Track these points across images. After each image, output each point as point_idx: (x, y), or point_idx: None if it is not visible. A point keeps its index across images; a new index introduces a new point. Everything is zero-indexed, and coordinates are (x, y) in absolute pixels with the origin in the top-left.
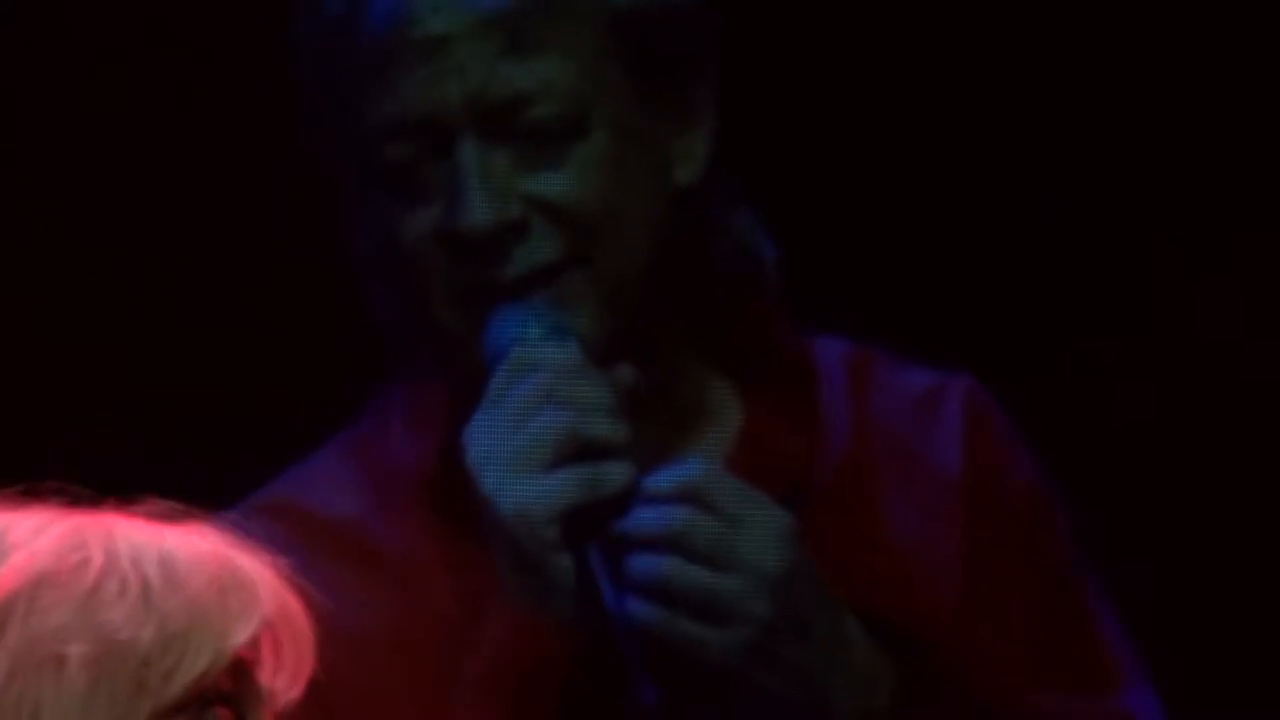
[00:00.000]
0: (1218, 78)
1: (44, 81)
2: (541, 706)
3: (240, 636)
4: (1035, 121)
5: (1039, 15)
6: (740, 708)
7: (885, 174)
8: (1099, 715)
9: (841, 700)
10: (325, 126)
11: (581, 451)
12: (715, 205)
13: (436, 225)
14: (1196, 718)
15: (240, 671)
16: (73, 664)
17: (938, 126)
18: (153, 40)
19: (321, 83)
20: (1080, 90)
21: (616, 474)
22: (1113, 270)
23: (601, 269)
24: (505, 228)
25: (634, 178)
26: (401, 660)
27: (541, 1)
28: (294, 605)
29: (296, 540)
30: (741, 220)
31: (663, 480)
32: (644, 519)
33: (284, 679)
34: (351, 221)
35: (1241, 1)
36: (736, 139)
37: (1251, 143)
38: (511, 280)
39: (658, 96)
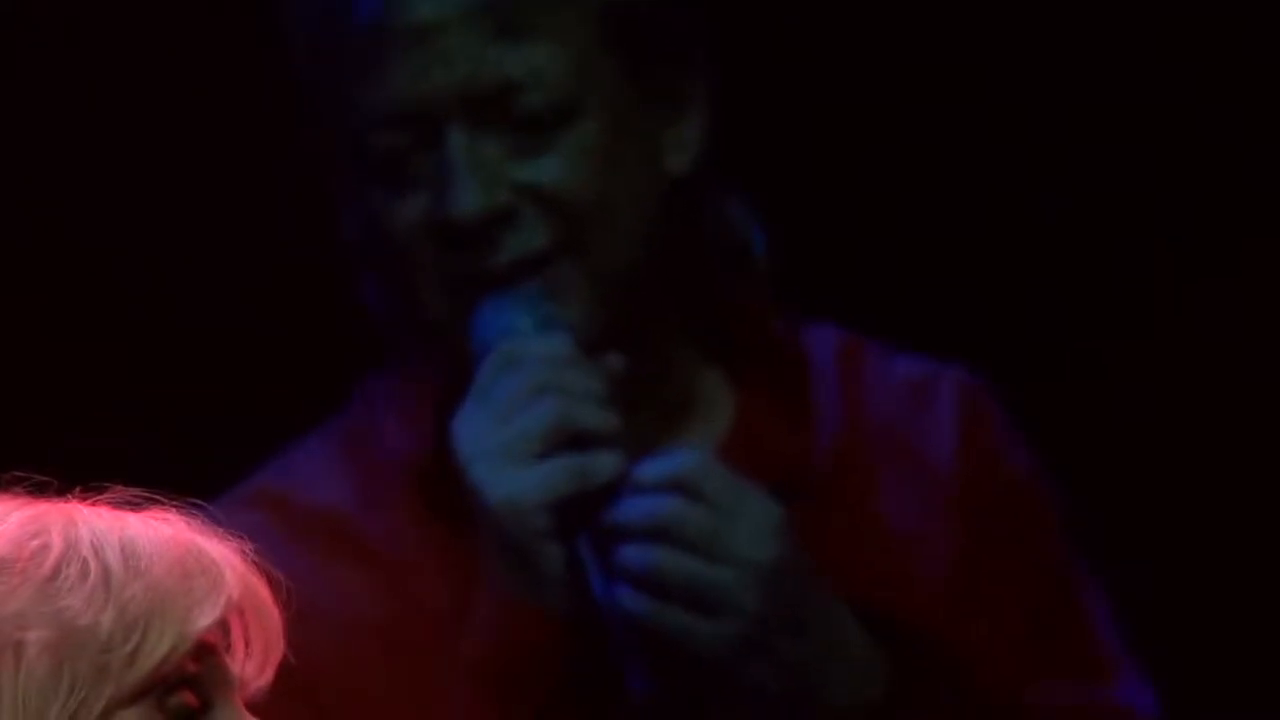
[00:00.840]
0: (1216, 78)
1: (40, 78)
2: (530, 695)
3: (204, 621)
4: (1036, 120)
5: (1040, 12)
6: (731, 699)
7: (886, 169)
8: (1093, 707)
9: (835, 692)
10: (317, 115)
11: (571, 441)
12: (707, 195)
13: (426, 214)
14: (1196, 716)
15: (206, 656)
16: (31, 650)
17: (939, 123)
18: (147, 35)
19: (313, 71)
20: (1081, 90)
21: (606, 464)
22: (1112, 269)
23: (592, 258)
24: (495, 216)
25: (625, 166)
26: (389, 650)
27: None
28: (262, 590)
29: (283, 530)
30: (733, 211)
31: (653, 470)
32: (634, 509)
33: (253, 664)
34: (343, 210)
35: (1239, 2)
36: (731, 129)
37: (1250, 143)
38: (501, 269)
39: (649, 85)
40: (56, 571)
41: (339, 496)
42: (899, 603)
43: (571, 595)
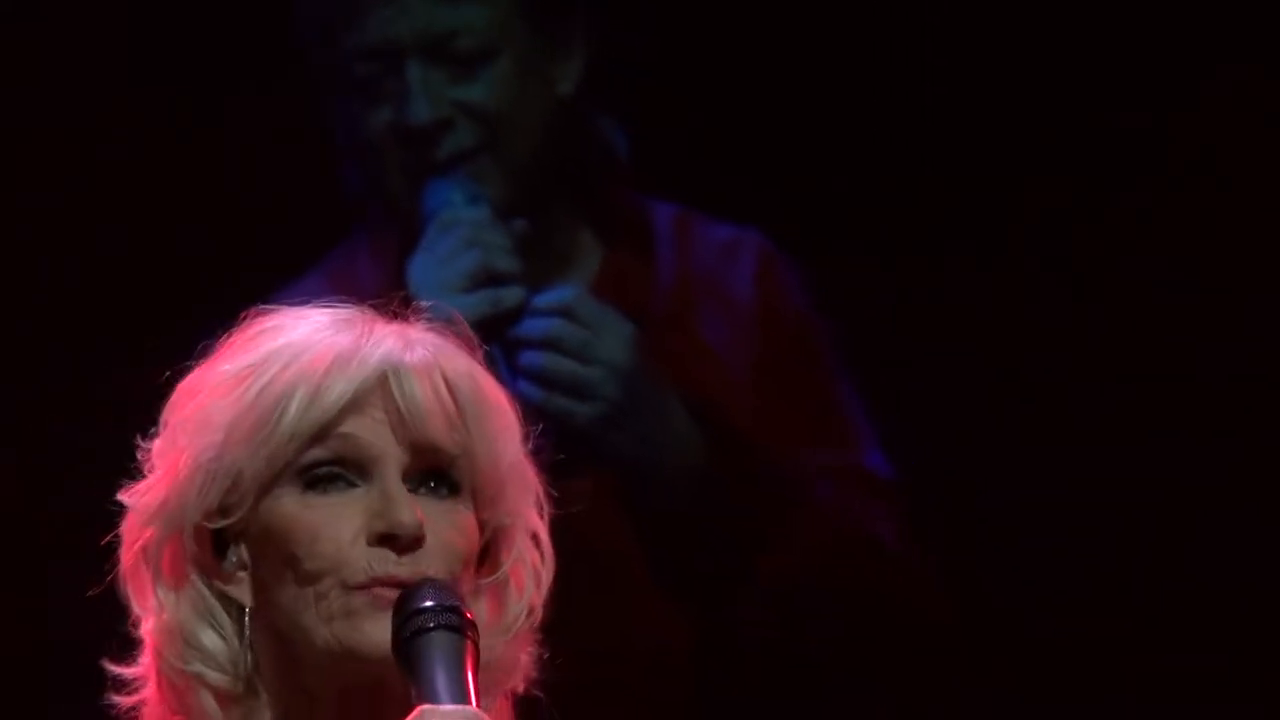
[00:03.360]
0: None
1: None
2: None
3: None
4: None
5: None
6: (601, 461)
7: (716, 98)
8: (848, 467)
9: (670, 456)
10: (317, 53)
11: (489, 280)
12: (585, 110)
13: (391, 121)
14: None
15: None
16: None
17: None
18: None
19: (310, 20)
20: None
21: (513, 295)
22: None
23: (504, 154)
24: (438, 123)
25: (528, 90)
26: None
27: None
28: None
29: None
30: (603, 121)
31: (545, 300)
32: (531, 327)
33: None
34: (331, 119)
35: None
36: (603, 64)
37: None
38: (442, 160)
39: (545, 33)
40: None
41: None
42: (714, 396)
43: None
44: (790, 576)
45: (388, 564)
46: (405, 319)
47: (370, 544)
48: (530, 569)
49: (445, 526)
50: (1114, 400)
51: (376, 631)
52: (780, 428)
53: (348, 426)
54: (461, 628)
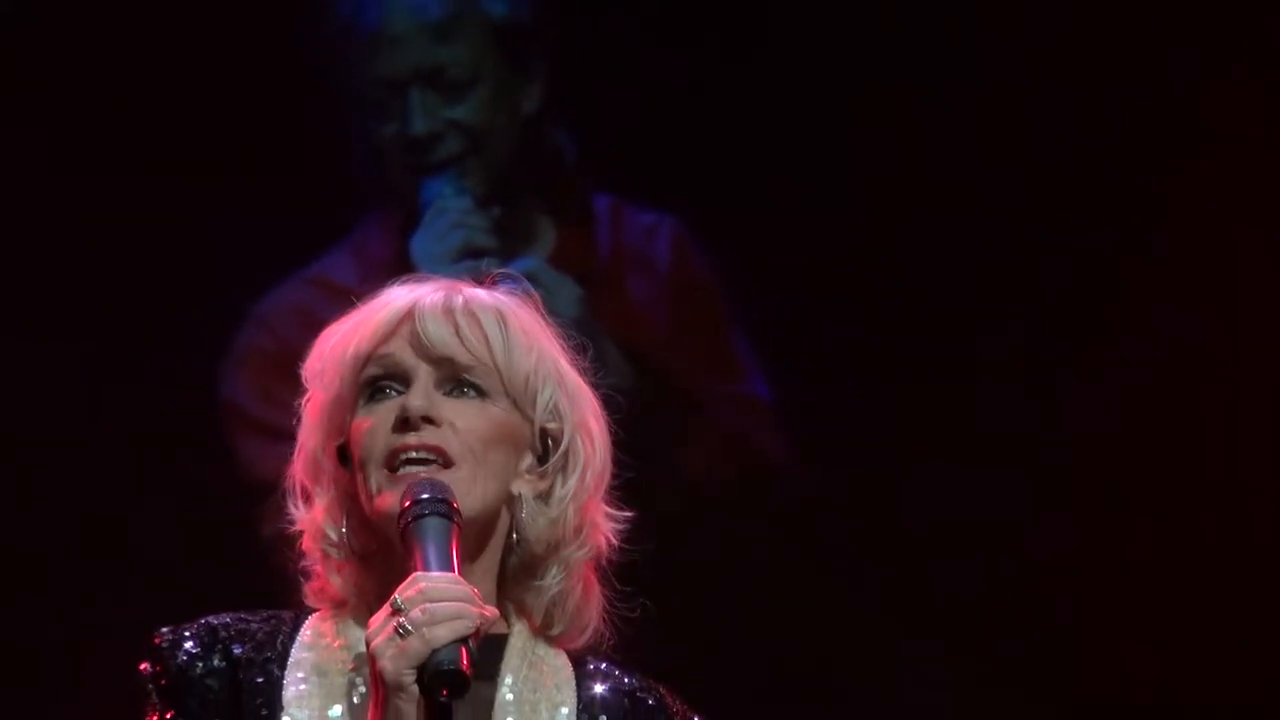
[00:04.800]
0: None
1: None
2: None
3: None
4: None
5: None
6: None
7: (654, 111)
8: (738, 393)
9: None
10: (340, 81)
11: (471, 253)
12: (545, 125)
13: (396, 133)
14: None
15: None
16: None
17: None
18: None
19: (335, 54)
20: None
21: (489, 265)
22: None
23: (483, 158)
24: (432, 135)
25: (501, 110)
26: None
27: (455, 18)
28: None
29: (323, 297)
30: (557, 132)
31: (514, 268)
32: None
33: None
34: (351, 131)
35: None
36: (560, 89)
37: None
38: (435, 163)
39: (513, 67)
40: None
41: (345, 275)
42: (640, 340)
43: None
44: (696, 461)
45: (402, 438)
46: (482, 282)
47: (393, 430)
48: (581, 457)
49: (469, 415)
50: (937, 340)
51: (397, 500)
52: (689, 363)
53: (388, 348)
54: (449, 514)
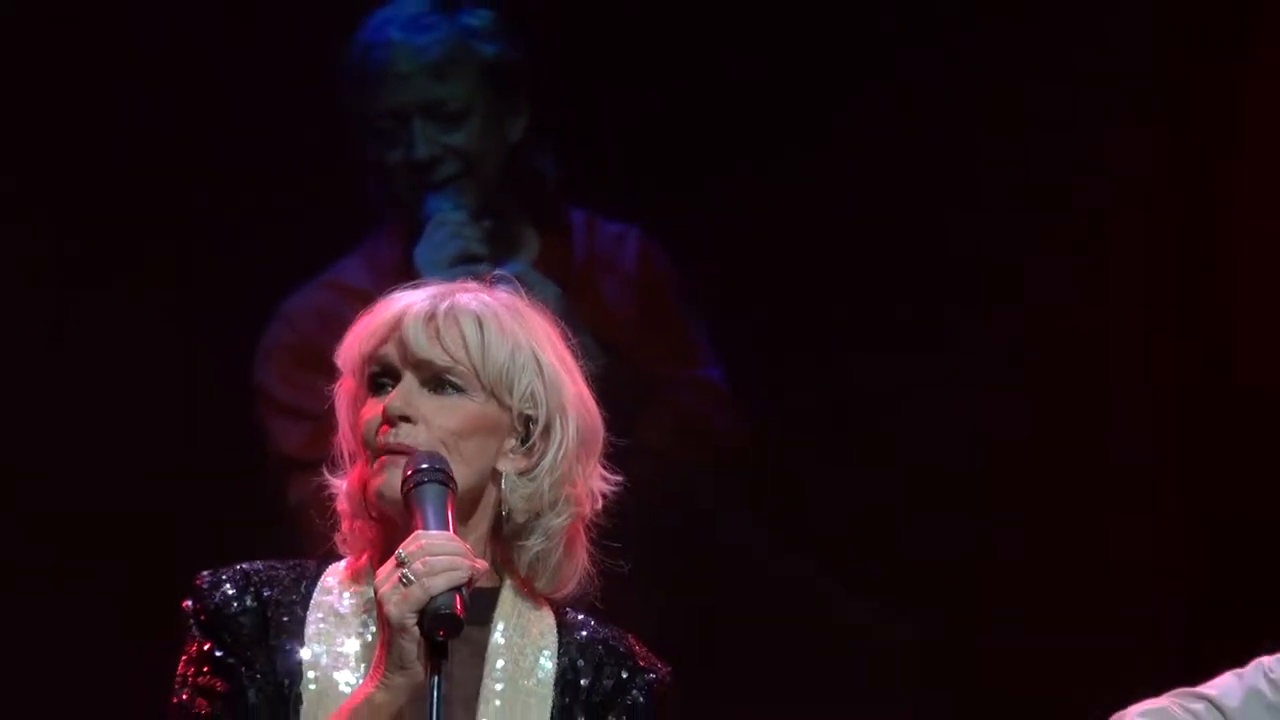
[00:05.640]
0: None
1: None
2: None
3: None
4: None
5: None
6: None
7: (622, 137)
8: (695, 376)
9: None
10: (353, 112)
11: (466, 259)
12: (528, 150)
13: (402, 157)
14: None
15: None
16: None
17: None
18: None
19: (349, 91)
20: None
21: (482, 270)
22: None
23: (476, 179)
24: (433, 159)
25: (491, 137)
26: None
27: (451, 59)
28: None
29: (339, 298)
30: (542, 156)
31: (503, 272)
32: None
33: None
34: (362, 154)
35: None
36: (540, 120)
37: None
38: (436, 182)
39: (502, 101)
40: None
41: (366, 279)
42: (611, 334)
43: None
44: (657, 440)
45: (385, 437)
46: (481, 281)
47: (380, 424)
48: (558, 437)
49: (441, 413)
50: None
51: (388, 481)
52: (653, 353)
53: (383, 350)
54: (445, 481)
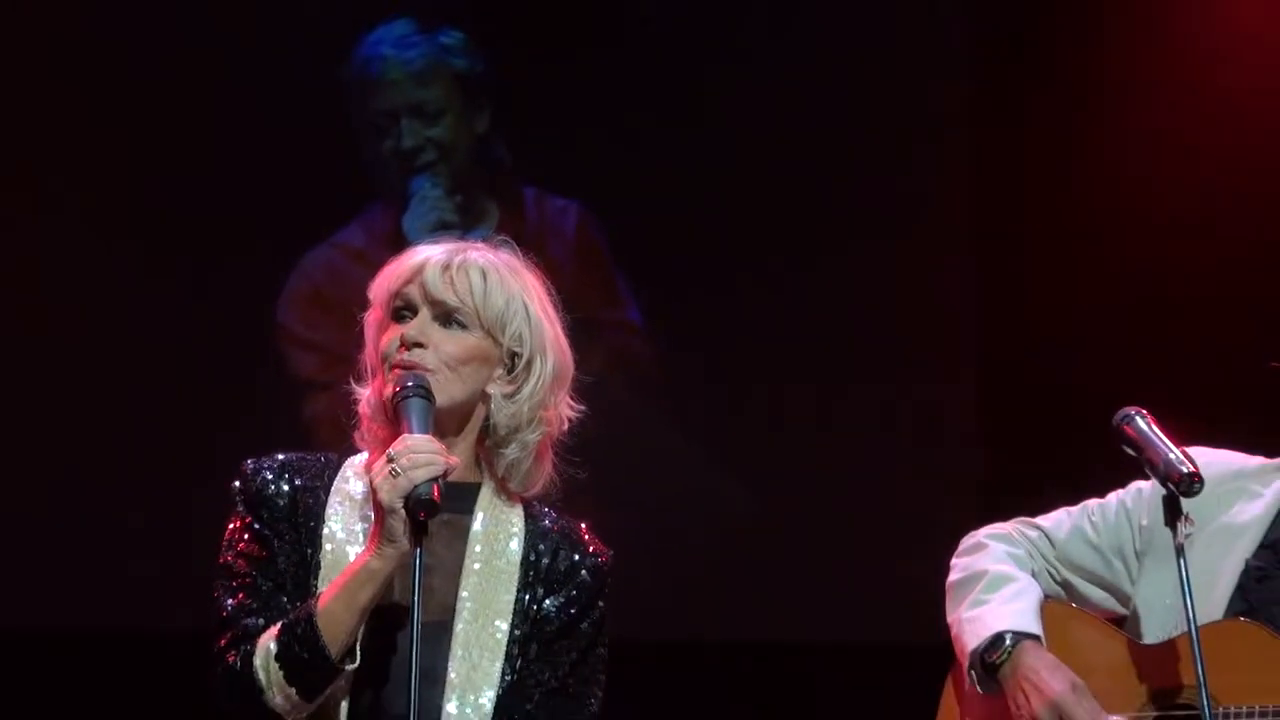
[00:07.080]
0: None
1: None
2: None
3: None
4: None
5: None
6: None
7: (580, 123)
8: (622, 318)
9: None
10: (353, 111)
11: (442, 226)
12: (491, 141)
13: (392, 147)
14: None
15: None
16: None
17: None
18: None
19: (351, 94)
20: None
21: (454, 234)
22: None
23: (451, 163)
24: (416, 149)
25: (461, 129)
26: None
27: (431, 69)
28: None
29: (341, 256)
30: (498, 144)
31: (471, 237)
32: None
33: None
34: (360, 145)
35: None
36: (501, 114)
37: None
38: (418, 167)
39: (471, 103)
40: None
41: (363, 242)
42: (557, 285)
43: None
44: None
45: (401, 355)
46: (489, 242)
47: (398, 346)
48: (536, 371)
49: (447, 341)
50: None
51: (392, 389)
52: (588, 300)
53: (407, 289)
54: (426, 396)
